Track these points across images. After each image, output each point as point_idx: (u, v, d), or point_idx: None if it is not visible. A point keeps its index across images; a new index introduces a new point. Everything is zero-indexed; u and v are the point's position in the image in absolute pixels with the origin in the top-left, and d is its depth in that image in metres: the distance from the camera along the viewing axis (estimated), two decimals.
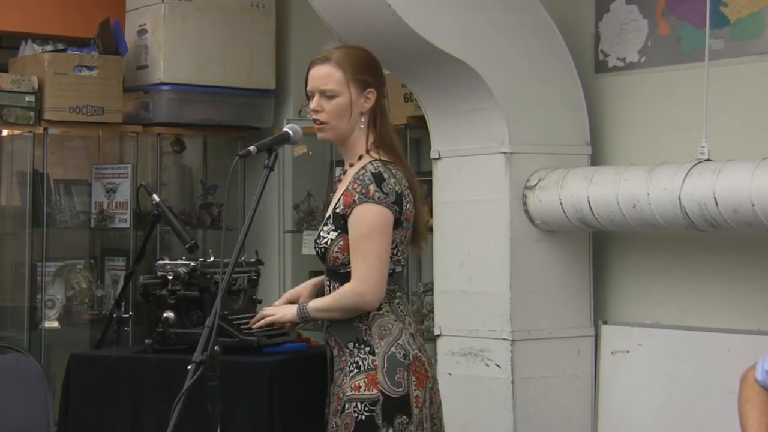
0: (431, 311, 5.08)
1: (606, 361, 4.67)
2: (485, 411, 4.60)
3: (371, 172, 3.47)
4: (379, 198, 3.43)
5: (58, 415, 4.02)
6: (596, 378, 4.70)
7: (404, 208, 3.49)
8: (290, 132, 3.59)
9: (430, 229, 4.64)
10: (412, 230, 3.59)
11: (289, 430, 3.61)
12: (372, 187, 3.44)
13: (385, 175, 3.47)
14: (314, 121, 3.58)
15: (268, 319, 3.66)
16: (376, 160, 3.52)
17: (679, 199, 4.08)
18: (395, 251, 3.50)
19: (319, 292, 3.68)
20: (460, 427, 4.48)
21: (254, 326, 3.71)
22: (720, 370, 4.26)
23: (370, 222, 3.43)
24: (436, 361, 4.60)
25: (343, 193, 3.50)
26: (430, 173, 4.86)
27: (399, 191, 3.48)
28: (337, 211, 3.49)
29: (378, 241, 3.43)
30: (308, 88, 3.59)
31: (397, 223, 3.48)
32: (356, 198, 3.44)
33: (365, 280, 3.43)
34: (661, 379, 4.47)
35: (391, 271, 3.50)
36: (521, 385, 4.56)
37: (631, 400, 4.58)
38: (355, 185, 3.46)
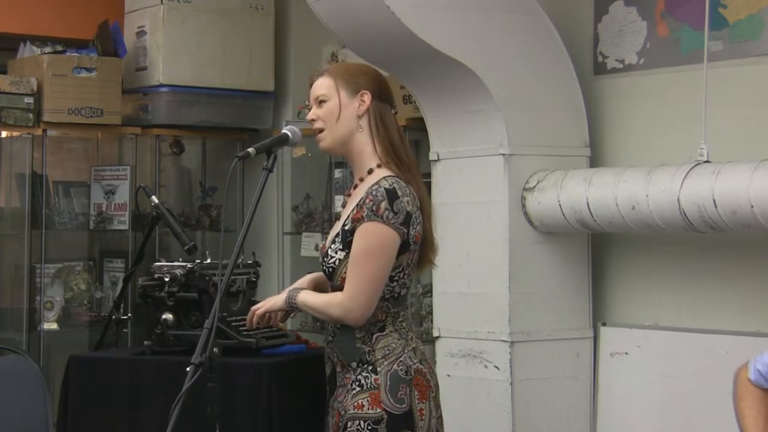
0: (430, 313, 5.07)
1: (605, 363, 4.67)
2: (484, 413, 4.60)
3: (385, 188, 3.40)
4: (387, 218, 3.37)
5: (57, 416, 4.02)
6: (595, 379, 4.70)
7: (412, 229, 3.43)
8: (289, 133, 3.58)
9: None
10: (420, 249, 3.52)
11: (288, 431, 3.61)
12: (383, 205, 3.37)
13: (399, 193, 3.40)
14: (314, 131, 3.56)
15: (259, 312, 3.61)
16: (390, 176, 3.45)
17: (678, 200, 4.08)
18: (401, 274, 3.45)
19: (317, 286, 3.63)
20: (460, 428, 4.48)
21: (249, 324, 3.69)
22: (719, 372, 4.25)
23: (373, 240, 3.38)
24: (434, 363, 4.60)
25: (353, 209, 3.44)
26: (429, 175, 4.85)
27: (410, 211, 3.41)
28: (346, 227, 3.43)
29: (376, 261, 3.38)
30: (309, 103, 3.59)
31: (405, 246, 3.42)
32: (365, 214, 3.38)
33: (354, 298, 3.39)
34: (660, 380, 4.47)
35: (396, 295, 3.46)
36: (520, 387, 4.55)
37: (630, 402, 4.58)
38: (367, 200, 3.40)
